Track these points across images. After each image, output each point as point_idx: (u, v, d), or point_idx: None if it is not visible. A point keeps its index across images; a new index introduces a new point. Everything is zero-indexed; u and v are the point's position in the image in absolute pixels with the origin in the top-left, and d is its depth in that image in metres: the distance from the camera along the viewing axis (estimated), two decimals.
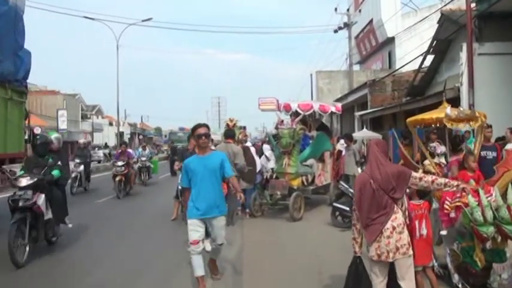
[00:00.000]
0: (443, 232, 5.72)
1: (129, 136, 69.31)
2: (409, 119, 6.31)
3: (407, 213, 4.57)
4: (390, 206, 4.33)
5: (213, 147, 9.20)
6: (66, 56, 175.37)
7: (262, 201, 11.72)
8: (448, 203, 5.48)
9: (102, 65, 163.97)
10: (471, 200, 4.87)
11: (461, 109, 5.76)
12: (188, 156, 11.72)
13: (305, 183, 12.22)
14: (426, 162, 6.07)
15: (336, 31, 32.77)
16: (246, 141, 17.01)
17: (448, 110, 5.57)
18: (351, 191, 6.83)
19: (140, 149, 22.08)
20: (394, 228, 4.30)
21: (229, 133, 11.08)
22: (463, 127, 5.53)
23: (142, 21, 35.78)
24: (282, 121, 12.19)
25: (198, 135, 6.01)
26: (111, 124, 67.36)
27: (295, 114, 12.87)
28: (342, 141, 19.15)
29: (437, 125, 6.23)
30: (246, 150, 12.06)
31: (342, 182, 11.19)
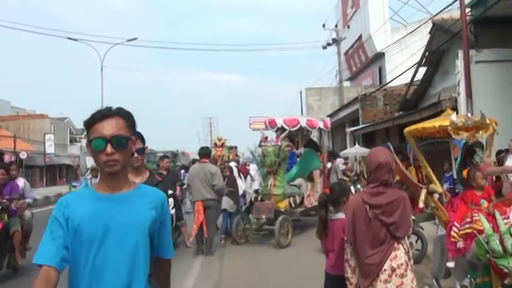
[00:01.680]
0: (451, 264, 4.78)
1: None
2: (407, 129, 5.33)
3: (411, 252, 3.62)
4: (389, 242, 3.40)
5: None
6: (56, 80, 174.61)
7: (245, 226, 10.68)
8: (455, 229, 4.54)
9: (91, 88, 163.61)
10: (486, 226, 3.91)
11: (469, 115, 4.80)
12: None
13: (293, 205, 11.07)
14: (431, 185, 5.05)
15: (324, 47, 32.17)
16: (238, 161, 16.18)
17: (453, 117, 4.63)
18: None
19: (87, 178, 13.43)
20: (393, 270, 3.36)
21: (205, 151, 10.21)
22: (471, 137, 4.55)
23: (128, 40, 35.04)
24: (266, 138, 11.23)
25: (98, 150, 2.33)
26: None
27: (282, 130, 11.95)
28: (339, 160, 18.37)
29: (438, 135, 5.25)
30: (228, 170, 11.21)
31: None
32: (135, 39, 34.93)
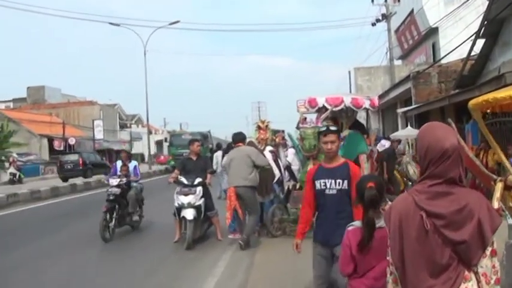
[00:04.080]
0: None
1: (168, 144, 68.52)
2: (473, 102, 4.01)
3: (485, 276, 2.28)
4: (456, 269, 2.24)
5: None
6: (105, 68, 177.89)
7: (283, 216, 9.66)
8: None
9: (138, 73, 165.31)
10: None
11: None
12: (191, 166, 10.09)
13: None
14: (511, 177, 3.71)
15: (374, 24, 30.58)
16: (285, 146, 15.17)
17: None
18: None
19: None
20: None
21: (238, 136, 9.28)
22: None
23: (170, 24, 34.39)
24: (305, 119, 10.09)
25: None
26: (150, 133, 67.15)
27: (324, 110, 10.77)
28: (383, 141, 17.00)
29: None
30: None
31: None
32: (177, 22, 34.28)
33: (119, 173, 11.28)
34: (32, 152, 37.78)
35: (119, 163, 11.68)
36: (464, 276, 2.23)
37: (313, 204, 4.46)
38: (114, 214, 10.26)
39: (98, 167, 32.32)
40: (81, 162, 30.80)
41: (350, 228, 3.33)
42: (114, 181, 10.66)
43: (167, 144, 45.54)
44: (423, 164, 2.36)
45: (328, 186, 4.33)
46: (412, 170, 14.77)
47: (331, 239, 4.21)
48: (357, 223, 3.31)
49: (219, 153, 15.12)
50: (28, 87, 57.78)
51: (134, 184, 11.29)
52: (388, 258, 2.45)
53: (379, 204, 3.26)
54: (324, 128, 4.51)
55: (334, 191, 4.31)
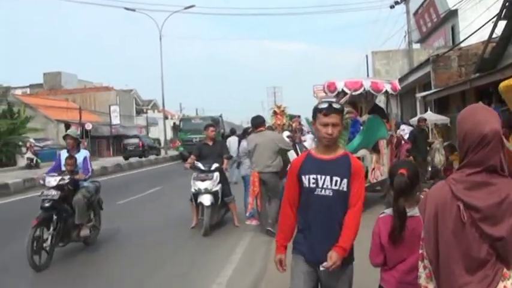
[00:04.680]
0: None
1: None
2: (504, 83, 3.79)
3: None
4: (494, 266, 2.06)
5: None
6: (121, 54, 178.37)
7: None
8: None
9: (153, 59, 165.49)
10: None
11: None
12: (207, 152, 9.94)
13: None
14: None
15: (392, 6, 30.12)
16: (301, 131, 14.94)
17: None
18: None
19: None
20: None
21: (257, 120, 9.09)
22: None
23: (185, 8, 34.19)
24: None
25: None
26: (166, 118, 67.27)
27: (343, 94, 10.54)
28: (402, 126, 16.69)
29: None
30: None
31: None
32: (192, 6, 34.07)
33: (63, 167, 8.06)
34: (48, 137, 37.99)
35: (64, 153, 8.30)
36: (503, 274, 2.06)
37: (296, 206, 3.37)
38: (51, 229, 7.21)
39: (152, 149, 39.73)
40: (141, 144, 37.99)
41: (381, 215, 3.13)
42: (52, 180, 7.51)
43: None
44: (462, 151, 2.16)
45: (320, 184, 3.23)
46: (439, 157, 13.83)
47: (320, 255, 3.18)
48: (389, 210, 3.10)
49: (234, 138, 14.80)
50: (44, 73, 58.06)
51: (85, 184, 8.14)
52: (421, 251, 2.27)
53: (410, 192, 3.05)
54: (325, 105, 3.25)
55: (329, 192, 3.22)
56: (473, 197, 2.06)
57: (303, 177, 3.28)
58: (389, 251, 3.01)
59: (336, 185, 3.22)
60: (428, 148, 13.98)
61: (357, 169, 3.31)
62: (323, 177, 3.23)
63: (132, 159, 32.85)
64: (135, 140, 38.74)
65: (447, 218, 2.10)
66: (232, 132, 16.57)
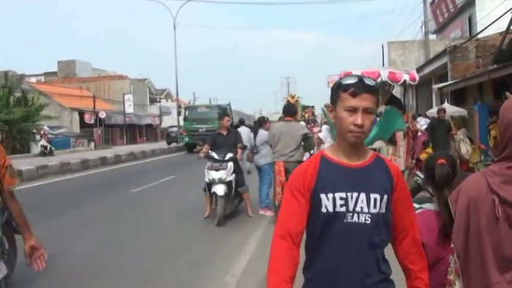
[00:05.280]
0: None
1: None
2: None
3: None
4: None
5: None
6: (136, 43, 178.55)
7: None
8: None
9: (167, 47, 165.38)
10: None
11: None
12: (222, 141, 9.84)
13: None
14: None
15: None
16: (314, 121, 14.77)
17: None
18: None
19: None
20: None
21: (290, 109, 8.97)
22: None
23: None
24: None
25: None
26: (180, 107, 67.06)
27: None
28: (419, 119, 16.45)
29: None
30: None
31: (419, 173, 8.66)
32: None
33: None
34: (63, 125, 38.14)
35: None
36: None
37: (300, 236, 2.16)
38: None
39: None
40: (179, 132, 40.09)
41: (418, 211, 2.93)
42: None
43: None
44: (502, 142, 2.02)
45: (351, 207, 2.09)
46: (465, 148, 13.18)
47: None
48: (427, 205, 2.91)
49: (244, 129, 14.19)
50: (59, 62, 58.23)
51: None
52: (452, 245, 2.14)
53: (452, 183, 2.90)
54: (353, 80, 2.07)
55: (366, 218, 2.10)
56: (509, 191, 1.92)
57: (322, 196, 2.10)
58: (428, 251, 2.84)
59: (375, 206, 2.10)
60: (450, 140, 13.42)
61: (399, 176, 2.26)
62: (355, 195, 2.10)
63: (142, 146, 33.80)
64: (175, 129, 42.11)
65: (480, 211, 1.96)
66: (241, 122, 16.08)
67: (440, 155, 2.99)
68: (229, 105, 35.34)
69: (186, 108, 35.52)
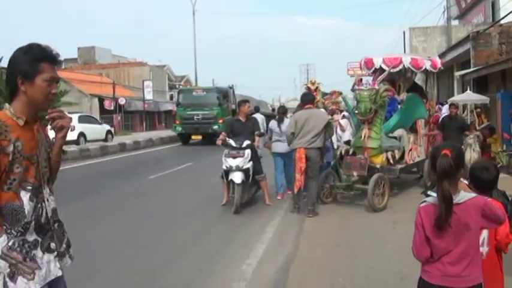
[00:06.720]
0: None
1: None
2: None
3: None
4: None
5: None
6: (156, 30, 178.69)
7: (334, 183, 9.24)
8: None
9: (187, 34, 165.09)
10: None
11: None
12: (240, 128, 9.73)
13: (391, 160, 9.27)
14: None
15: None
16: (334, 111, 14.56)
17: None
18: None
19: None
20: None
21: (309, 97, 8.84)
22: None
23: None
24: (361, 80, 9.51)
25: None
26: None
27: (380, 71, 10.18)
28: (443, 107, 16.17)
29: None
30: None
31: None
32: None
33: None
34: (83, 111, 38.38)
35: None
36: None
37: None
38: None
39: None
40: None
41: (422, 204, 2.86)
42: None
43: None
44: None
45: None
46: (470, 154, 11.95)
47: None
48: (431, 198, 2.83)
49: (259, 115, 13.55)
50: (79, 48, 58.43)
51: None
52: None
53: (454, 176, 2.78)
54: None
55: None
56: None
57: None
58: (434, 243, 2.76)
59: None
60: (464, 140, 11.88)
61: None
62: None
63: (161, 132, 33.54)
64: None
65: None
66: (257, 109, 15.74)
67: (446, 146, 2.86)
68: (231, 87, 30.48)
69: (179, 92, 28.88)
